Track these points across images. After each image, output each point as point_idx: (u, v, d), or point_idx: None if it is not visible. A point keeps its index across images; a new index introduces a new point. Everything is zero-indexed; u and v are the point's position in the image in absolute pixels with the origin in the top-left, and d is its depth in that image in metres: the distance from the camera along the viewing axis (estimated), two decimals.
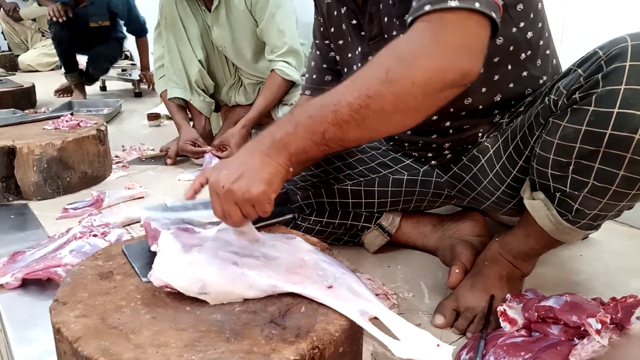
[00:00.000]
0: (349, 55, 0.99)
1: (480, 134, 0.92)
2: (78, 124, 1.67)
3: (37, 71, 4.51)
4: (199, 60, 1.85)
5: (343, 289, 0.65)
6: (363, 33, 0.94)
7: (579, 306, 0.74)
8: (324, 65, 1.08)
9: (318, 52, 1.08)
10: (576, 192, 0.76)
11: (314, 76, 1.10)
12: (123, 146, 2.02)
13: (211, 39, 1.85)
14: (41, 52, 4.60)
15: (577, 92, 0.70)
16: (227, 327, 0.60)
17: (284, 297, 0.65)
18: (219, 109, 2.07)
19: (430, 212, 1.15)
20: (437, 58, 0.62)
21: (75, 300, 0.65)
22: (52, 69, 4.57)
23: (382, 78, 0.62)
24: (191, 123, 1.93)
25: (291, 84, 1.82)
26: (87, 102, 2.81)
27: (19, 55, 4.68)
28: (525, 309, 0.77)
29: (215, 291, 0.64)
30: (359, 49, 0.96)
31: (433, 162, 1.01)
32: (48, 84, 3.51)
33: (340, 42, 1.01)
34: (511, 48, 0.84)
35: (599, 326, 0.70)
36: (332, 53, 1.06)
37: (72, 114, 1.79)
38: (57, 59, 4.50)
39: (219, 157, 1.75)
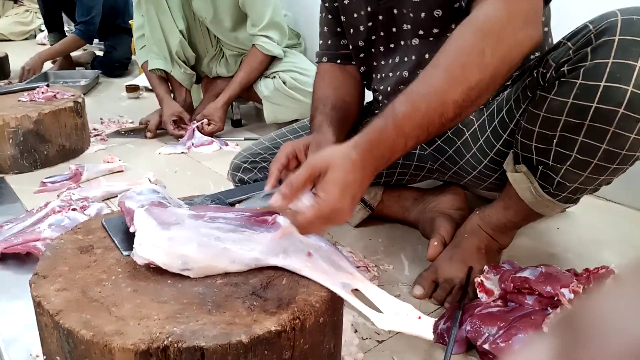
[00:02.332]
0: (354, 15, 0.96)
1: None
2: (54, 95, 1.63)
3: (10, 40, 4.36)
4: (180, 31, 1.81)
5: (324, 262, 0.66)
6: None
7: (553, 277, 0.76)
8: (338, 29, 1.03)
9: (330, 16, 1.03)
10: (558, 165, 0.77)
11: (329, 42, 1.05)
12: (101, 119, 1.99)
13: (192, 9, 1.81)
14: (14, 20, 4.45)
15: (566, 65, 0.70)
16: (209, 299, 0.60)
17: (266, 270, 0.66)
18: (199, 80, 2.04)
19: (412, 187, 1.16)
20: (518, 30, 0.62)
21: (56, 274, 0.64)
22: (26, 38, 4.43)
23: (480, 63, 0.62)
24: (172, 95, 1.90)
25: (272, 58, 1.80)
26: (63, 74, 2.74)
27: None
28: (501, 280, 0.79)
29: (198, 266, 0.64)
30: (368, 8, 0.93)
31: None
32: (22, 54, 3.40)
33: (346, 1, 0.97)
34: None
35: (572, 296, 0.73)
36: (341, 16, 1.01)
37: (48, 86, 1.75)
38: (31, 27, 4.40)
39: (204, 134, 1.73)
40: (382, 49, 0.97)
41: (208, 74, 2.00)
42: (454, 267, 0.88)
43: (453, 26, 0.84)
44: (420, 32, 0.88)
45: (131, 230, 0.68)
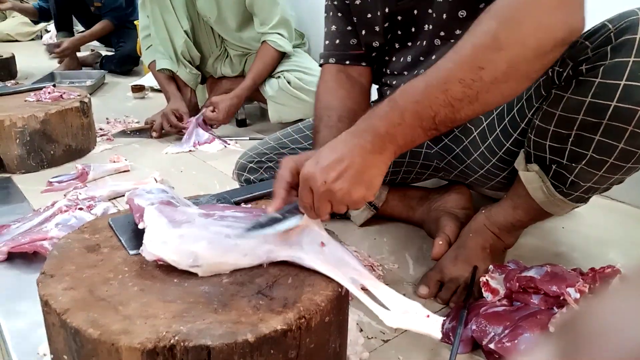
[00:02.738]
0: (368, 15, 0.93)
1: None
2: (61, 95, 1.64)
3: (16, 41, 4.39)
4: (185, 31, 1.81)
5: (335, 256, 0.66)
6: None
7: (559, 276, 0.76)
8: (348, 28, 0.98)
9: (339, 14, 0.99)
10: (573, 164, 0.77)
11: (337, 41, 1.00)
12: (107, 119, 2.00)
13: (196, 9, 1.81)
14: (20, 20, 4.47)
15: (584, 64, 0.70)
16: (215, 298, 0.60)
17: (271, 269, 0.66)
18: (204, 81, 2.05)
19: (417, 186, 1.16)
20: (545, 15, 0.58)
21: (63, 273, 0.65)
22: (32, 39, 4.45)
23: (491, 45, 0.58)
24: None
25: (282, 55, 1.80)
26: (70, 74, 2.76)
27: None
28: (507, 279, 0.79)
29: (207, 263, 0.64)
30: (386, 9, 0.90)
31: None
32: (28, 54, 3.43)
33: (358, 1, 0.94)
34: None
35: (578, 295, 0.72)
36: (353, 15, 0.98)
37: (54, 86, 1.76)
38: (37, 28, 4.42)
39: (206, 123, 1.74)
40: (397, 46, 0.95)
41: (213, 74, 2.00)
42: (459, 267, 0.88)
43: None
44: (442, 33, 0.86)
45: (140, 226, 0.68)
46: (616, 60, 0.66)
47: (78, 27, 3.26)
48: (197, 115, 1.76)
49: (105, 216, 0.82)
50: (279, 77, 1.78)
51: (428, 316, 0.61)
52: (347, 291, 0.67)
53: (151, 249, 0.64)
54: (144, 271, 0.66)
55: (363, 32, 0.96)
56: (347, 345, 0.72)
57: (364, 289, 0.64)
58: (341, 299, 0.65)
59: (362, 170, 0.63)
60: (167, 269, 0.65)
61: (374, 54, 0.98)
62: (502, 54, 0.58)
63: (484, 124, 0.91)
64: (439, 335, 0.60)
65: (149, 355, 0.53)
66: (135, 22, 2.78)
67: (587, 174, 0.76)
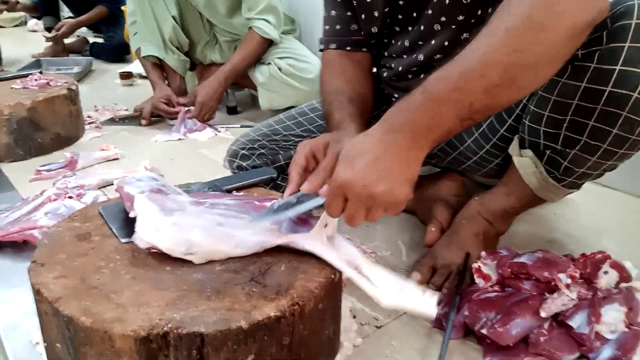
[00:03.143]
0: (368, 0, 0.92)
1: None
2: (48, 83, 1.62)
3: (0, 27, 4.31)
4: (173, 17, 1.78)
5: (327, 240, 0.66)
6: None
7: (551, 262, 0.76)
8: (348, 13, 0.96)
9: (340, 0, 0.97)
10: (567, 150, 0.77)
11: (337, 26, 0.98)
12: (95, 106, 1.97)
13: None
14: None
15: (580, 49, 0.69)
16: (208, 285, 0.60)
17: (264, 257, 0.66)
18: (194, 67, 2.03)
19: None
20: None
21: (54, 262, 0.64)
22: (17, 25, 4.37)
23: (527, 26, 0.55)
24: (166, 82, 1.88)
25: (269, 43, 1.78)
26: (56, 61, 2.72)
27: None
28: (499, 265, 0.80)
29: (202, 251, 0.64)
30: None
31: None
32: (13, 41, 3.37)
33: None
34: None
35: (569, 281, 0.73)
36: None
37: (41, 73, 1.73)
38: (21, 14, 4.33)
39: (195, 117, 1.72)
40: (397, 29, 0.93)
41: (202, 60, 1.98)
42: (452, 253, 0.88)
43: (479, 12, 0.81)
44: (443, 18, 0.84)
45: (131, 215, 0.68)
46: (612, 45, 0.66)
47: (64, 12, 3.20)
48: (183, 110, 1.74)
49: (95, 204, 0.81)
50: (269, 63, 1.76)
51: (424, 293, 0.61)
52: (340, 277, 0.67)
53: (144, 236, 0.64)
54: (136, 259, 0.66)
55: (362, 16, 0.94)
56: (341, 331, 0.73)
57: (357, 270, 0.64)
58: (334, 285, 0.65)
59: (402, 169, 0.59)
60: (160, 257, 0.64)
61: (372, 41, 0.97)
62: (538, 35, 0.55)
63: None
64: (434, 312, 0.61)
65: (142, 342, 0.53)
66: (123, 8, 2.74)
67: (581, 160, 0.76)
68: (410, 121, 0.59)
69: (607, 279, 0.76)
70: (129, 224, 0.68)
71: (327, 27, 1.00)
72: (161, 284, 0.60)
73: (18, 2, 3.20)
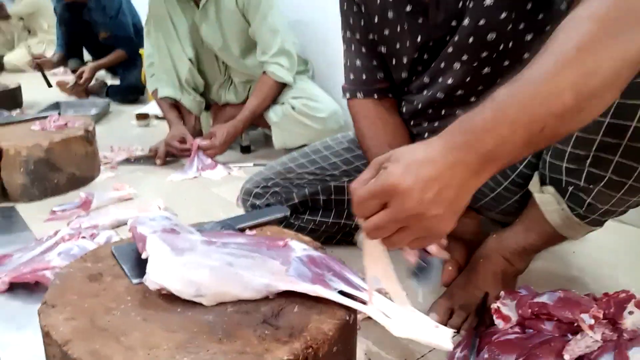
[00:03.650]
0: (397, 46, 0.91)
1: None
2: (65, 124, 1.65)
3: (23, 71, 4.45)
4: (189, 59, 1.83)
5: (337, 279, 0.65)
6: (421, 20, 0.86)
7: (572, 302, 0.74)
8: (374, 63, 0.97)
9: (364, 49, 0.97)
10: (591, 186, 0.75)
11: (364, 77, 0.98)
12: (111, 147, 2.00)
13: (200, 37, 1.83)
14: (27, 51, 4.54)
15: None
16: (219, 327, 0.59)
17: (277, 298, 0.64)
18: (209, 107, 2.06)
19: None
20: None
21: (64, 303, 0.63)
22: None
23: (596, 47, 0.50)
24: (182, 122, 1.91)
25: (283, 85, 1.81)
26: (74, 103, 2.78)
27: (4, 55, 4.62)
28: (519, 305, 0.77)
29: (211, 293, 0.63)
30: (418, 38, 0.87)
31: None
32: (34, 84, 3.47)
33: (386, 32, 0.91)
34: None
35: (592, 321, 0.70)
36: (380, 47, 0.95)
37: (59, 114, 1.77)
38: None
39: (204, 152, 1.74)
40: (419, 68, 0.93)
41: (217, 101, 2.02)
42: (470, 293, 0.86)
43: (501, 47, 0.81)
44: (465, 57, 0.84)
45: (143, 256, 0.67)
46: (636, 80, 0.65)
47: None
48: (198, 140, 1.76)
49: (108, 244, 0.81)
50: (283, 103, 1.79)
51: (437, 327, 0.59)
52: (355, 319, 0.65)
53: (154, 278, 0.63)
54: (146, 300, 0.65)
55: (393, 62, 0.94)
56: None
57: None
58: (349, 328, 0.63)
59: (461, 195, 0.52)
60: (171, 298, 0.63)
61: (400, 85, 0.97)
62: (608, 57, 0.50)
63: None
64: (450, 347, 0.58)
65: None
66: (140, 51, 2.82)
67: (605, 197, 0.75)
68: (481, 142, 0.51)
69: (632, 319, 0.73)
70: (141, 264, 0.67)
71: (351, 76, 1.00)
72: (172, 326, 0.59)
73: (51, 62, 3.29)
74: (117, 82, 3.15)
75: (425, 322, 0.60)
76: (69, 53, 3.11)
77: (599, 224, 0.82)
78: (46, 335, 0.59)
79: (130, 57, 2.97)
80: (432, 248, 0.66)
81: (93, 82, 3.21)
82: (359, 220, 0.57)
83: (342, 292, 0.63)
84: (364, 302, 0.62)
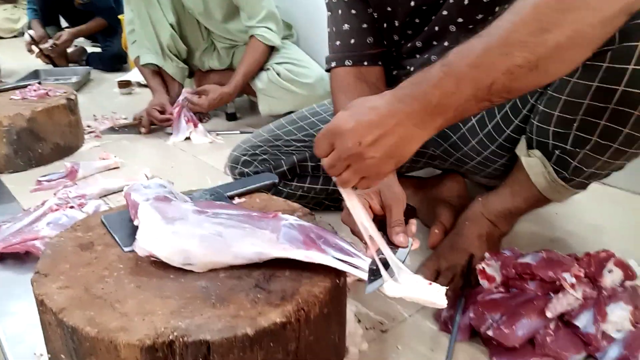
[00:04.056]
0: (388, 9, 0.89)
1: None
2: (47, 93, 1.62)
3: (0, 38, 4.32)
4: (170, 24, 1.79)
5: (327, 246, 0.66)
6: None
7: (555, 262, 0.76)
8: (364, 25, 0.92)
9: (353, 11, 0.92)
10: (577, 149, 0.77)
11: (352, 40, 0.93)
12: (94, 115, 1.97)
13: (182, 2, 1.79)
14: (2, 16, 4.39)
15: None
16: (213, 293, 0.60)
17: (268, 263, 0.65)
18: (192, 74, 2.03)
19: (411, 175, 1.16)
20: None
21: (57, 272, 0.64)
22: (15, 36, 4.37)
23: (556, 5, 0.51)
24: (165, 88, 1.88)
25: (271, 49, 1.79)
26: (54, 71, 2.72)
27: None
28: (503, 266, 0.79)
29: (200, 261, 0.63)
30: (411, 2, 0.85)
31: None
32: (11, 52, 3.37)
33: None
34: None
35: (573, 280, 0.73)
36: (370, 9, 0.92)
37: (39, 83, 1.73)
38: (19, 25, 4.34)
39: (190, 105, 1.73)
40: (409, 32, 0.91)
41: (200, 67, 1.99)
42: (456, 255, 0.88)
43: (496, 9, 0.80)
44: (460, 19, 0.83)
45: (135, 223, 0.68)
46: (624, 44, 0.65)
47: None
48: (181, 98, 1.74)
49: (97, 214, 0.81)
50: (268, 69, 1.77)
51: (430, 284, 0.61)
52: (345, 282, 0.67)
53: (144, 245, 0.64)
54: (139, 268, 0.65)
55: (385, 25, 0.91)
56: (346, 336, 0.72)
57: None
58: (339, 290, 0.65)
59: (401, 143, 0.57)
60: (163, 265, 0.64)
61: (391, 49, 0.95)
62: (567, 15, 0.51)
63: (483, 112, 0.91)
64: (444, 303, 0.60)
65: (148, 351, 0.52)
66: (120, 17, 2.75)
67: (590, 160, 0.76)
68: (426, 95, 0.56)
69: (611, 277, 0.76)
70: (132, 233, 0.68)
71: (337, 42, 0.95)
72: (165, 292, 0.60)
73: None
74: (97, 49, 3.07)
75: (418, 281, 0.62)
76: (45, 20, 3.01)
77: (584, 186, 0.84)
78: (41, 303, 0.60)
79: (111, 25, 2.90)
80: (399, 238, 0.66)
81: (72, 49, 3.13)
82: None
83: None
84: (356, 267, 0.64)
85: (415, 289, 0.61)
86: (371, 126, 0.57)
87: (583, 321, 0.71)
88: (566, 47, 0.53)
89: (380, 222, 0.71)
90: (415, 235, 0.71)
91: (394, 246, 0.67)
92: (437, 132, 0.58)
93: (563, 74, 0.58)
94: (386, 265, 0.62)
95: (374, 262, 0.63)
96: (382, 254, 0.64)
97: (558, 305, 0.72)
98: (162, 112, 1.76)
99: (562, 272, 0.74)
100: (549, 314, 0.71)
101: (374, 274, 0.61)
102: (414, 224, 0.71)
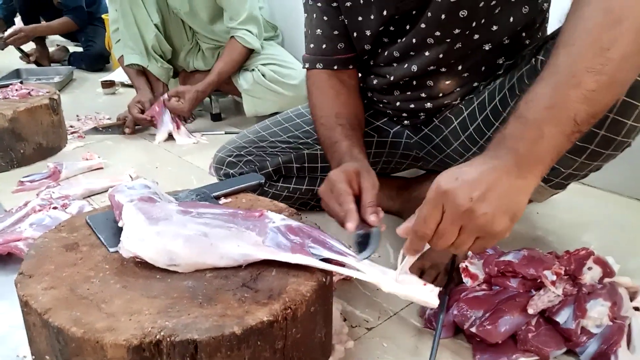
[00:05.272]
0: (359, 18, 0.90)
1: (459, 98, 0.94)
2: (29, 93, 1.60)
3: None
4: (155, 25, 1.78)
5: (317, 245, 0.66)
6: None
7: (536, 260, 0.78)
8: (335, 32, 0.94)
9: (325, 17, 0.94)
10: None
11: (324, 46, 0.95)
12: (78, 116, 1.95)
13: (167, 2, 1.78)
14: None
15: None
16: (200, 292, 0.60)
17: (255, 262, 0.66)
18: (177, 74, 2.02)
19: (396, 176, 1.17)
20: None
21: (42, 273, 0.64)
22: None
23: (608, 21, 0.53)
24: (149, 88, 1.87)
25: (251, 52, 1.79)
26: (36, 70, 2.69)
27: None
28: (485, 264, 0.81)
29: (185, 262, 0.64)
30: (384, 12, 0.86)
31: (406, 122, 1.02)
32: None
33: (348, 3, 0.90)
34: (532, 18, 0.84)
35: (554, 277, 0.74)
36: (342, 17, 0.93)
37: (21, 82, 1.71)
38: None
39: (168, 108, 1.72)
40: (386, 40, 0.92)
41: (185, 67, 1.98)
42: (439, 254, 0.89)
43: (474, 24, 0.82)
44: (438, 33, 0.83)
45: (120, 225, 0.67)
46: None
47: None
48: (159, 100, 1.73)
49: (82, 214, 0.81)
50: (253, 70, 1.77)
51: (425, 284, 0.63)
52: (331, 280, 0.67)
53: (128, 246, 0.64)
54: (125, 268, 0.65)
55: (354, 34, 0.93)
56: (332, 334, 0.73)
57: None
58: (325, 289, 0.65)
59: (509, 196, 0.56)
60: (149, 265, 0.64)
61: (363, 57, 0.97)
62: (623, 25, 0.53)
63: (465, 114, 0.92)
64: (436, 303, 0.62)
65: (135, 351, 0.52)
66: (104, 16, 2.73)
67: (568, 161, 0.78)
68: (512, 149, 0.56)
69: (591, 274, 0.78)
70: (117, 233, 0.68)
71: (311, 45, 0.97)
72: (152, 292, 0.60)
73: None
74: (79, 49, 3.04)
75: (413, 280, 0.64)
76: (26, 20, 2.97)
77: (563, 187, 0.86)
78: (25, 305, 0.60)
79: (85, 25, 2.85)
80: (371, 217, 0.69)
81: (53, 49, 3.10)
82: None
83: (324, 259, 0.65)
84: (343, 265, 0.64)
85: (410, 288, 0.63)
86: (475, 182, 0.56)
87: (563, 317, 0.73)
88: (630, 54, 0.54)
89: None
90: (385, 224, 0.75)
91: (367, 225, 0.70)
92: (541, 179, 0.59)
93: (634, 78, 0.59)
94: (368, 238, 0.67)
95: (358, 236, 0.67)
96: (361, 229, 0.68)
97: (539, 302, 0.74)
98: (142, 112, 1.75)
99: (543, 270, 0.75)
100: (530, 311, 0.73)
101: (361, 245, 0.66)
102: (381, 211, 0.74)
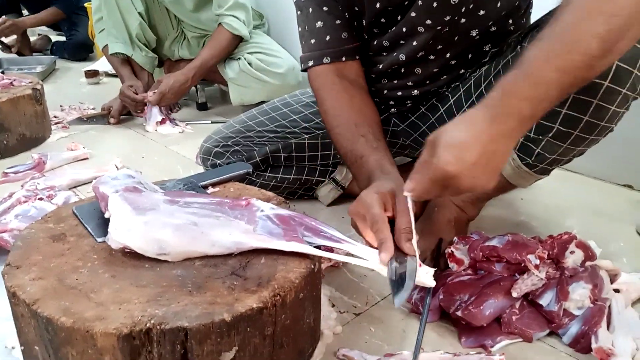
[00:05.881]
0: (356, 8, 0.89)
1: (446, 85, 0.94)
2: (11, 83, 1.58)
3: None
4: (139, 13, 1.76)
5: (308, 233, 0.67)
6: None
7: (520, 244, 0.79)
8: (337, 21, 0.90)
9: (325, 8, 0.90)
10: (540, 137, 0.80)
11: (328, 37, 0.90)
12: (61, 106, 1.93)
13: None
14: None
15: None
16: (189, 281, 0.61)
17: (243, 251, 0.66)
18: (162, 64, 2.00)
19: None
20: None
21: (29, 264, 0.63)
22: None
23: None
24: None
25: (239, 40, 1.77)
26: (18, 60, 2.64)
27: None
28: (471, 249, 0.82)
29: (175, 251, 0.64)
30: (377, 4, 0.86)
31: (393, 110, 1.02)
32: None
33: None
34: (517, 3, 0.85)
35: (538, 261, 0.76)
36: (341, 7, 0.90)
37: (3, 72, 1.69)
38: None
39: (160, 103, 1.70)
40: (376, 30, 0.91)
41: (170, 56, 1.96)
42: (425, 239, 0.90)
43: (463, 10, 0.82)
44: (428, 21, 0.84)
45: (106, 216, 0.67)
46: None
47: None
48: (149, 93, 1.72)
49: (68, 205, 0.80)
50: (239, 59, 1.76)
51: (420, 266, 0.64)
52: (319, 267, 0.68)
53: (116, 237, 0.64)
54: (113, 258, 0.65)
55: (355, 23, 0.91)
56: (321, 320, 0.74)
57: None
58: (314, 276, 0.66)
59: (500, 160, 0.60)
60: (138, 255, 0.64)
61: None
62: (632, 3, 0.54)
63: (451, 101, 0.93)
64: (433, 284, 0.64)
65: (125, 339, 0.53)
66: (86, 4, 2.68)
67: (553, 146, 0.79)
68: (519, 110, 0.57)
69: (573, 258, 0.80)
70: (104, 223, 0.68)
71: (312, 40, 0.92)
72: (141, 281, 0.60)
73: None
74: (62, 38, 2.99)
75: (411, 261, 0.65)
76: (6, 8, 2.91)
77: (547, 172, 0.87)
78: (13, 296, 0.60)
79: (73, 13, 2.80)
80: (407, 245, 0.65)
81: (35, 38, 3.04)
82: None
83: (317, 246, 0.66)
84: (333, 251, 0.65)
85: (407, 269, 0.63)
86: (479, 161, 0.58)
87: (546, 300, 0.74)
88: (631, 25, 0.55)
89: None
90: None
91: (401, 253, 0.66)
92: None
93: (625, 52, 0.60)
94: (404, 276, 0.63)
95: (393, 274, 0.63)
96: (396, 261, 0.64)
97: (523, 285, 0.75)
98: (135, 93, 1.73)
99: (527, 254, 0.77)
100: (514, 294, 0.75)
101: (398, 285, 0.62)
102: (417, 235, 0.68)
